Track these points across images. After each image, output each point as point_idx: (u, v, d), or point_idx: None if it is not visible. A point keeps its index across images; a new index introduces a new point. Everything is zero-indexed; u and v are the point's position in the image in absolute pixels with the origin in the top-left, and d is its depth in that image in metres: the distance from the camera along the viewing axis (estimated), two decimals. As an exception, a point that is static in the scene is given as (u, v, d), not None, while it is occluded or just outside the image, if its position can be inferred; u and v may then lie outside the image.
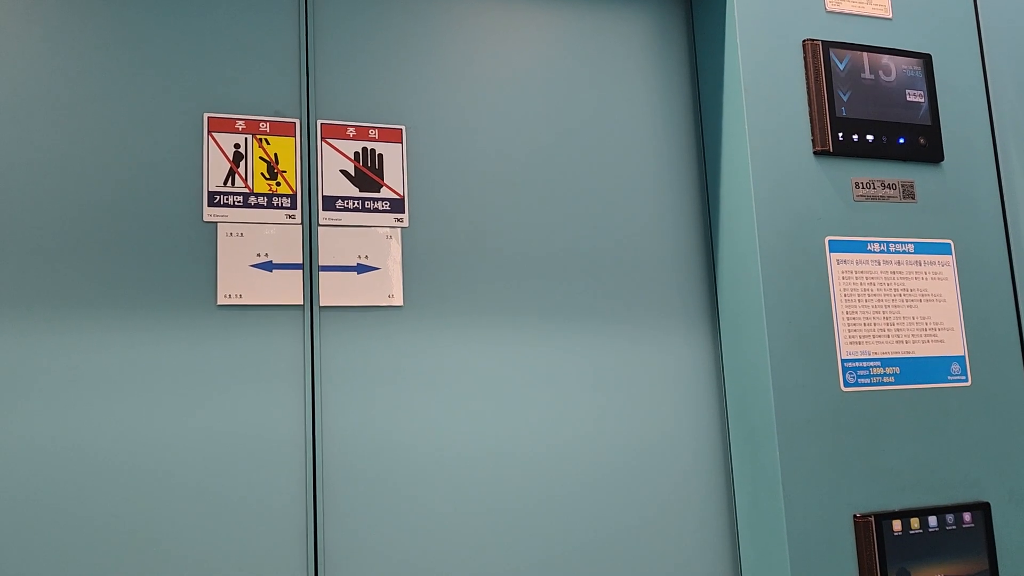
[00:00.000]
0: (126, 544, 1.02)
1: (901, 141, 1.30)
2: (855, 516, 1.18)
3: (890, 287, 1.27)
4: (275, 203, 1.13)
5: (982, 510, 1.23)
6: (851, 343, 1.23)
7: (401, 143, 1.21)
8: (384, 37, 1.23)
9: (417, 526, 1.13)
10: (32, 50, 1.08)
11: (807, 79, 1.28)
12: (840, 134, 1.27)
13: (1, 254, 1.03)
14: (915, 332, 1.27)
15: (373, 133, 1.20)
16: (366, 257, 1.16)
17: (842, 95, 1.28)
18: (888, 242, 1.28)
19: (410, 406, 1.16)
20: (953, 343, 1.29)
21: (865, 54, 1.30)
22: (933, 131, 1.33)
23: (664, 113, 1.36)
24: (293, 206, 1.14)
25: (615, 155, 1.32)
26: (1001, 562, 1.24)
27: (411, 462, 1.14)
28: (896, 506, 1.21)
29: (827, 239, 1.25)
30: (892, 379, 1.25)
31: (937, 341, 1.28)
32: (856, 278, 1.26)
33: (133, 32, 1.12)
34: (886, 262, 1.28)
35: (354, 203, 1.17)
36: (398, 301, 1.17)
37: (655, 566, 1.23)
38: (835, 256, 1.25)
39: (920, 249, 1.30)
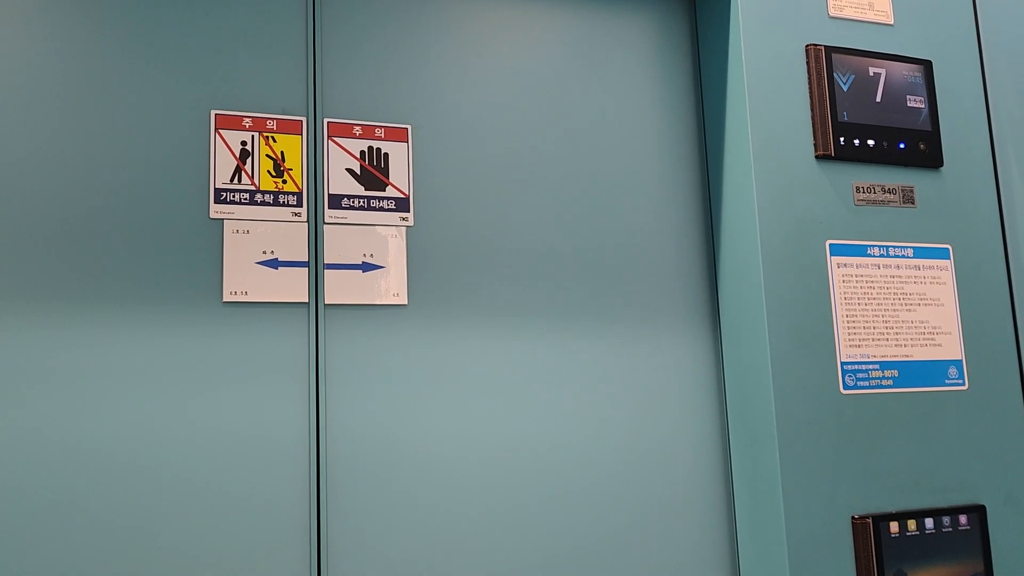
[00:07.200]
0: (128, 539, 1.02)
1: (901, 146, 1.32)
2: (853, 517, 1.20)
3: (889, 291, 1.28)
4: (281, 201, 1.14)
5: (978, 513, 1.25)
6: (850, 346, 1.24)
7: (407, 142, 1.21)
8: (391, 37, 1.24)
9: (419, 524, 1.14)
10: (39, 48, 1.08)
11: (809, 84, 1.29)
12: (842, 139, 1.28)
13: (7, 250, 1.03)
14: (913, 336, 1.29)
15: (379, 132, 1.20)
16: (371, 255, 1.16)
17: (844, 100, 1.29)
18: (888, 246, 1.29)
19: (413, 404, 1.16)
20: (951, 347, 1.31)
21: (867, 59, 1.32)
22: (933, 137, 1.34)
23: (668, 115, 1.37)
24: (299, 204, 1.15)
25: (619, 156, 1.33)
26: (996, 564, 1.25)
27: (414, 460, 1.15)
28: (893, 508, 1.22)
29: (828, 242, 1.26)
30: (891, 382, 1.26)
31: (935, 345, 1.30)
32: (856, 281, 1.27)
33: (141, 30, 1.12)
34: (886, 266, 1.29)
35: (359, 201, 1.17)
36: (402, 300, 1.17)
37: (655, 566, 1.24)
38: (836, 259, 1.26)
39: (919, 253, 1.31)
